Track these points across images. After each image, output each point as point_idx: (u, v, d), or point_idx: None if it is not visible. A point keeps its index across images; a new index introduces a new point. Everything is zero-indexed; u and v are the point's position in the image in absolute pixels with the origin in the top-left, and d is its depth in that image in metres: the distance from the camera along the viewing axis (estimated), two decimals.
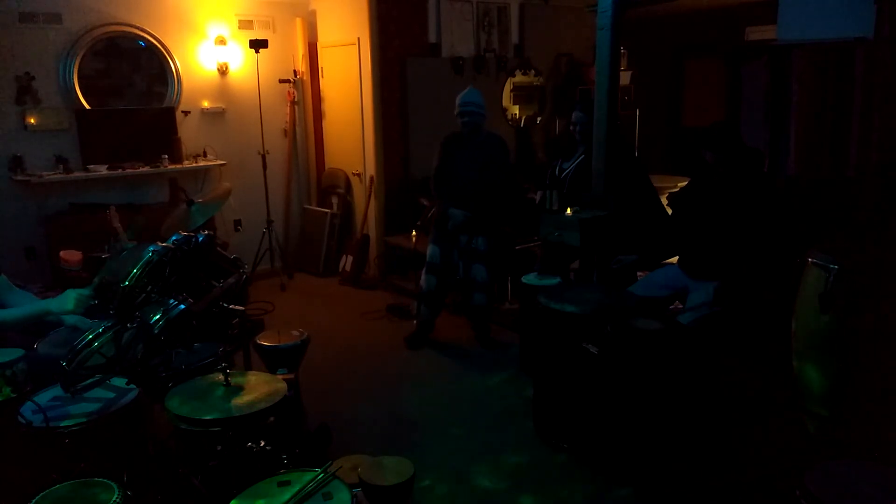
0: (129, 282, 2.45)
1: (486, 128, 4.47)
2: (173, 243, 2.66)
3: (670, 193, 4.53)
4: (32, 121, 5.08)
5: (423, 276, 4.59)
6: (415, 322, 4.74)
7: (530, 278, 4.12)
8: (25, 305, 2.80)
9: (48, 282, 4.72)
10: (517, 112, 6.62)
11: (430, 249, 4.54)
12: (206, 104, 5.89)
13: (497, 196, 4.45)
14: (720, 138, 3.46)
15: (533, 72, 6.66)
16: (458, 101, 4.34)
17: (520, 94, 6.60)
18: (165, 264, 2.57)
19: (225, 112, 5.99)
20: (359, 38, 5.80)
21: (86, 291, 2.70)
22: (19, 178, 4.98)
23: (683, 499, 2.89)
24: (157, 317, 2.44)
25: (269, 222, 6.01)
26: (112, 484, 1.97)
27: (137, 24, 5.44)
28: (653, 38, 7.47)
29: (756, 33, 6.60)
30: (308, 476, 2.03)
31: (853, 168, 3.77)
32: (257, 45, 5.63)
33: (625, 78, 6.54)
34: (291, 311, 5.40)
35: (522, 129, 6.69)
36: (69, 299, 2.63)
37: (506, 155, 4.50)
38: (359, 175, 6.18)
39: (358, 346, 4.71)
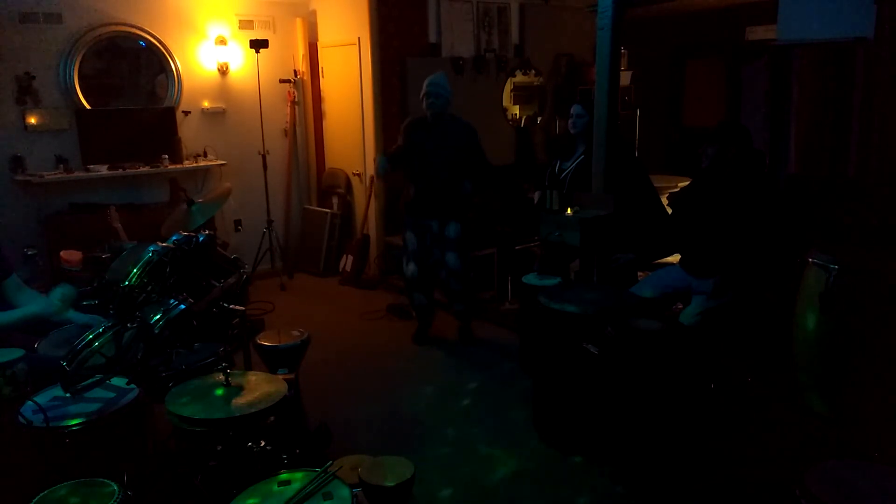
0: (129, 282, 2.46)
1: (450, 111, 4.44)
2: (174, 243, 2.67)
3: (670, 193, 4.53)
4: (33, 121, 5.08)
5: (405, 265, 4.63)
6: (414, 315, 4.73)
7: (530, 278, 4.11)
8: (17, 309, 2.80)
9: (48, 282, 4.70)
10: (517, 112, 6.62)
11: (407, 237, 4.57)
12: (206, 104, 5.89)
13: (480, 179, 4.50)
14: (730, 132, 3.47)
15: (533, 72, 6.66)
16: (425, 84, 4.33)
17: (520, 94, 6.60)
18: (166, 264, 2.58)
19: (225, 112, 6.00)
20: (359, 38, 5.80)
21: (70, 292, 2.70)
22: (20, 178, 4.99)
23: (684, 499, 2.89)
24: (158, 317, 2.44)
25: (270, 222, 6.01)
26: (112, 484, 1.97)
27: (137, 24, 5.44)
28: (653, 38, 7.47)
29: (756, 33, 6.60)
30: (308, 476, 2.03)
31: (853, 168, 3.78)
32: (257, 45, 5.63)
33: (625, 78, 6.54)
34: (291, 311, 5.39)
35: (522, 129, 6.69)
36: (53, 302, 2.66)
37: (477, 138, 4.49)
38: (359, 175, 6.18)
39: (358, 346, 4.71)
